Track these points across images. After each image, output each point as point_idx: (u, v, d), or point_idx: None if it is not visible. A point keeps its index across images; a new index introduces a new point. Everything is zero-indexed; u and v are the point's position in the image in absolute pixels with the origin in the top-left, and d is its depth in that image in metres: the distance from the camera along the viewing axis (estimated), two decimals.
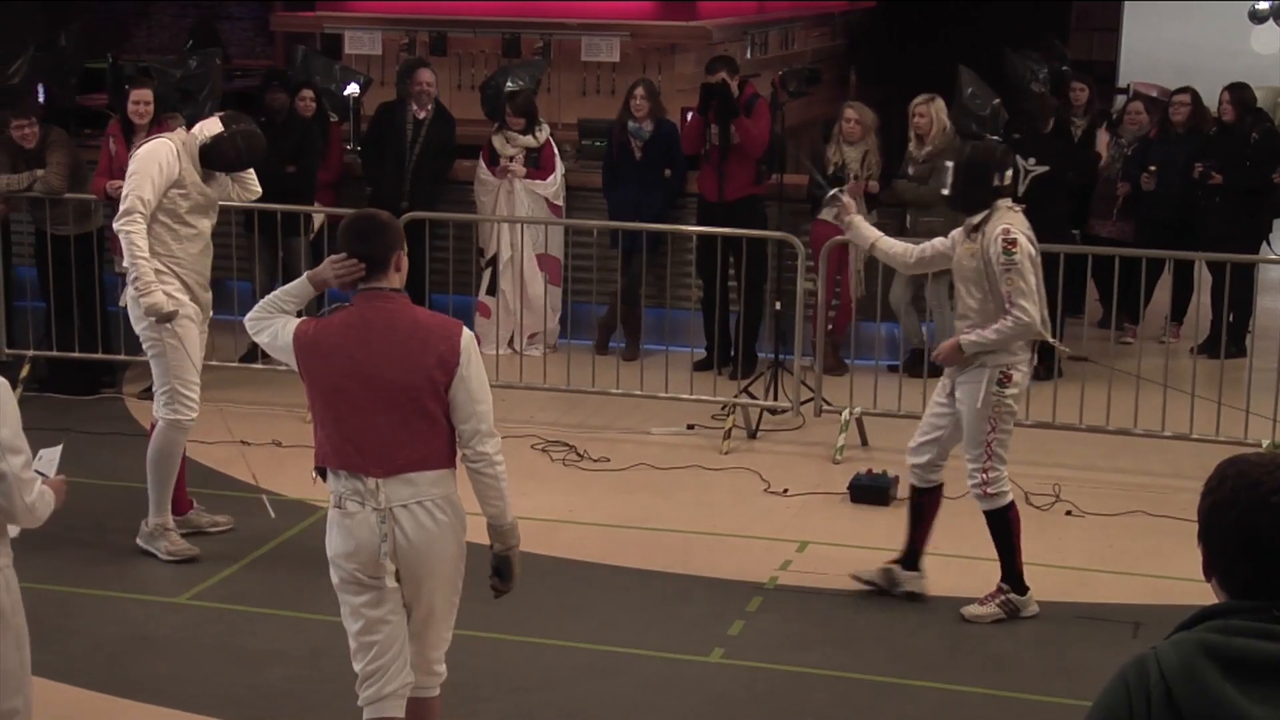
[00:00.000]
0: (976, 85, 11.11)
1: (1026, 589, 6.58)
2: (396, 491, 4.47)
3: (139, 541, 7.13)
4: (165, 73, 11.29)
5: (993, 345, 6.33)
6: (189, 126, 9.85)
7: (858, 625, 6.55)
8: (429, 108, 10.39)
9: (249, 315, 4.77)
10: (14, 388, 7.14)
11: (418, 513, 4.50)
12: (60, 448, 4.77)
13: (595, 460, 8.55)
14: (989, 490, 6.45)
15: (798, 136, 11.70)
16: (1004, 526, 6.53)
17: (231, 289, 10.40)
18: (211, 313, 7.18)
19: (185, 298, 6.92)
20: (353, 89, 11.41)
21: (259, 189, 7.32)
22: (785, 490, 8.14)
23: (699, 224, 9.96)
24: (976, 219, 6.37)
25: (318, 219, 10.16)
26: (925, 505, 6.72)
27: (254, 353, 10.05)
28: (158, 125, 9.28)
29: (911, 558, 6.74)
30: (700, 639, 6.36)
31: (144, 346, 7.01)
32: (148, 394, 9.39)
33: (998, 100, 11.11)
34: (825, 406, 8.98)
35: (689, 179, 10.30)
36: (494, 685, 5.92)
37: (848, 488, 8.02)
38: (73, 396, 9.50)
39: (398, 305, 4.55)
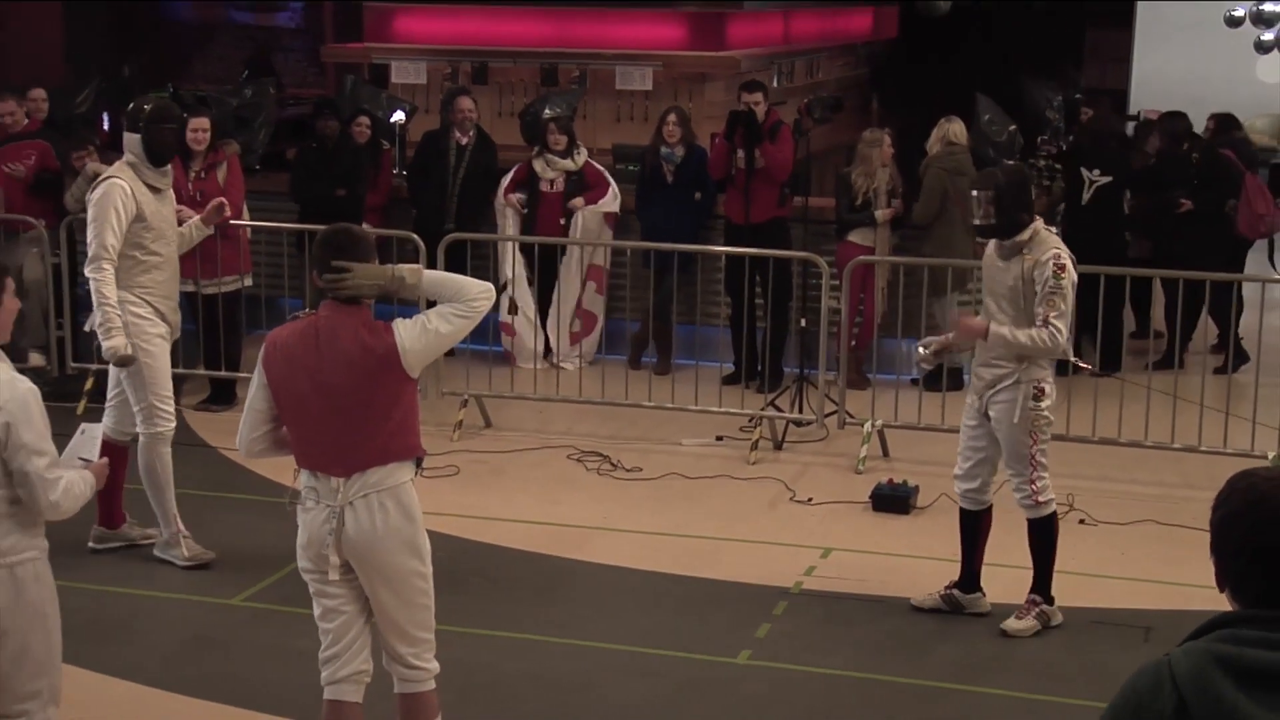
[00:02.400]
0: (993, 112, 11.10)
1: (1053, 599, 6.52)
2: (351, 487, 4.50)
3: (156, 552, 7.14)
4: (222, 101, 11.38)
5: (1017, 347, 6.22)
6: (242, 153, 9.97)
7: (880, 629, 6.52)
8: (470, 134, 10.42)
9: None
10: (79, 399, 7.27)
11: (362, 506, 4.50)
12: (99, 427, 4.87)
13: (628, 470, 8.54)
14: (1040, 499, 6.38)
15: (822, 162, 11.69)
16: (1049, 534, 6.45)
17: (283, 305, 10.45)
18: (180, 331, 7.18)
19: (157, 320, 6.93)
20: (399, 116, 11.46)
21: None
22: (810, 499, 8.12)
23: (726, 245, 9.96)
24: (1024, 237, 6.26)
25: None
26: (979, 527, 6.61)
27: None
28: (214, 151, 9.36)
29: (970, 579, 6.64)
30: (728, 641, 6.34)
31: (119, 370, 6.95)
32: (204, 405, 9.50)
33: (1014, 126, 11.10)
34: (848, 419, 8.95)
35: (717, 202, 10.30)
36: (529, 685, 5.92)
37: (870, 497, 7.99)
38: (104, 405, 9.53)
39: (351, 313, 4.52)
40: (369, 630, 4.67)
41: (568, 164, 10.29)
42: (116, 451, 6.88)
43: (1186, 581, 6.74)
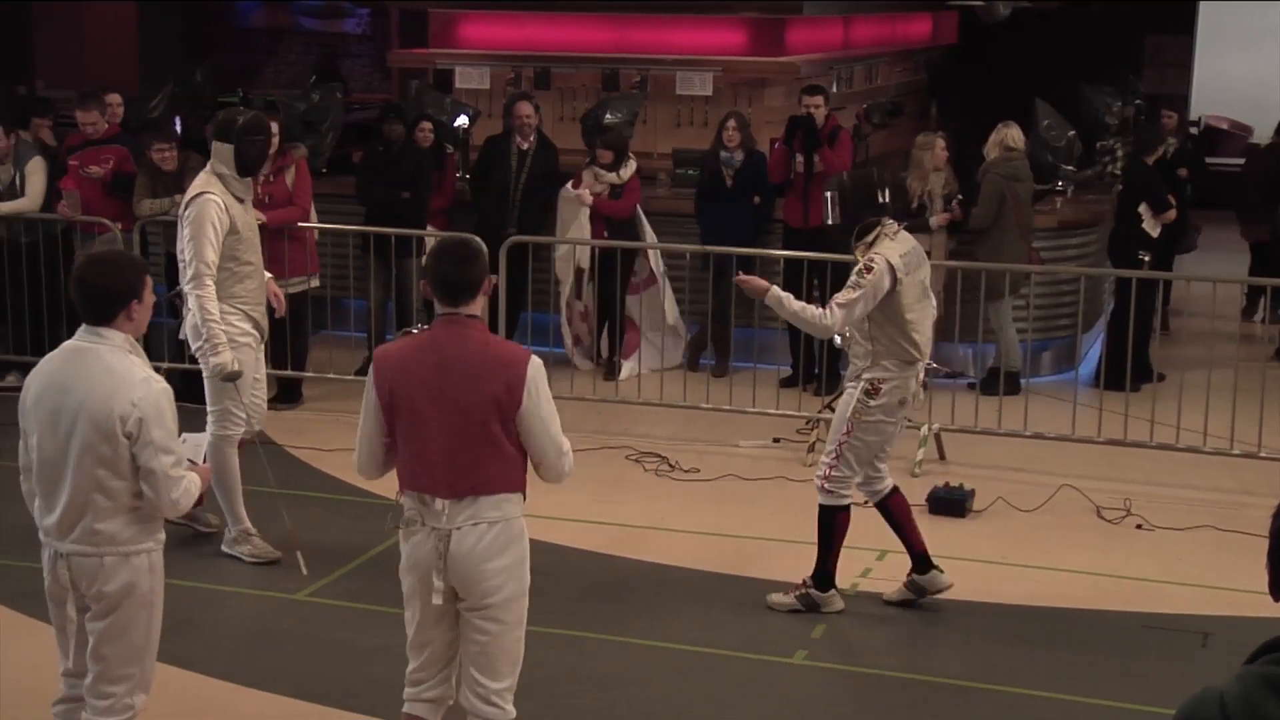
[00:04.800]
0: (1052, 118, 11.02)
1: (830, 586, 6.57)
2: (459, 513, 4.38)
3: (224, 548, 7.21)
4: (290, 106, 11.46)
5: (787, 315, 6.38)
6: (309, 157, 10.04)
7: (934, 631, 6.48)
8: (532, 138, 10.44)
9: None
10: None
11: (471, 535, 4.38)
12: (207, 435, 4.94)
13: (686, 471, 8.53)
14: (826, 486, 6.48)
15: (880, 166, 11.62)
16: (827, 522, 6.52)
17: (349, 306, 10.53)
18: (268, 333, 7.25)
19: (250, 328, 7.02)
20: (462, 120, 11.50)
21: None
22: (866, 501, 8.06)
23: (785, 249, 9.93)
24: (868, 238, 6.35)
25: (429, 243, 10.25)
26: (892, 515, 6.70)
27: (368, 367, 10.16)
28: (282, 155, 9.44)
29: (920, 560, 6.67)
30: (784, 641, 6.32)
31: (205, 370, 7.02)
32: (271, 404, 9.51)
33: (1073, 132, 11.01)
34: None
35: (776, 206, 10.27)
36: (585, 682, 5.92)
37: (926, 500, 7.94)
38: (202, 406, 9.62)
39: (471, 330, 4.42)
40: (457, 660, 4.59)
41: (613, 177, 10.22)
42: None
43: (1245, 588, 6.65)
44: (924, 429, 8.70)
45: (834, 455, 6.45)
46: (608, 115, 11.12)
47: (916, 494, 8.05)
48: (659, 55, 12.41)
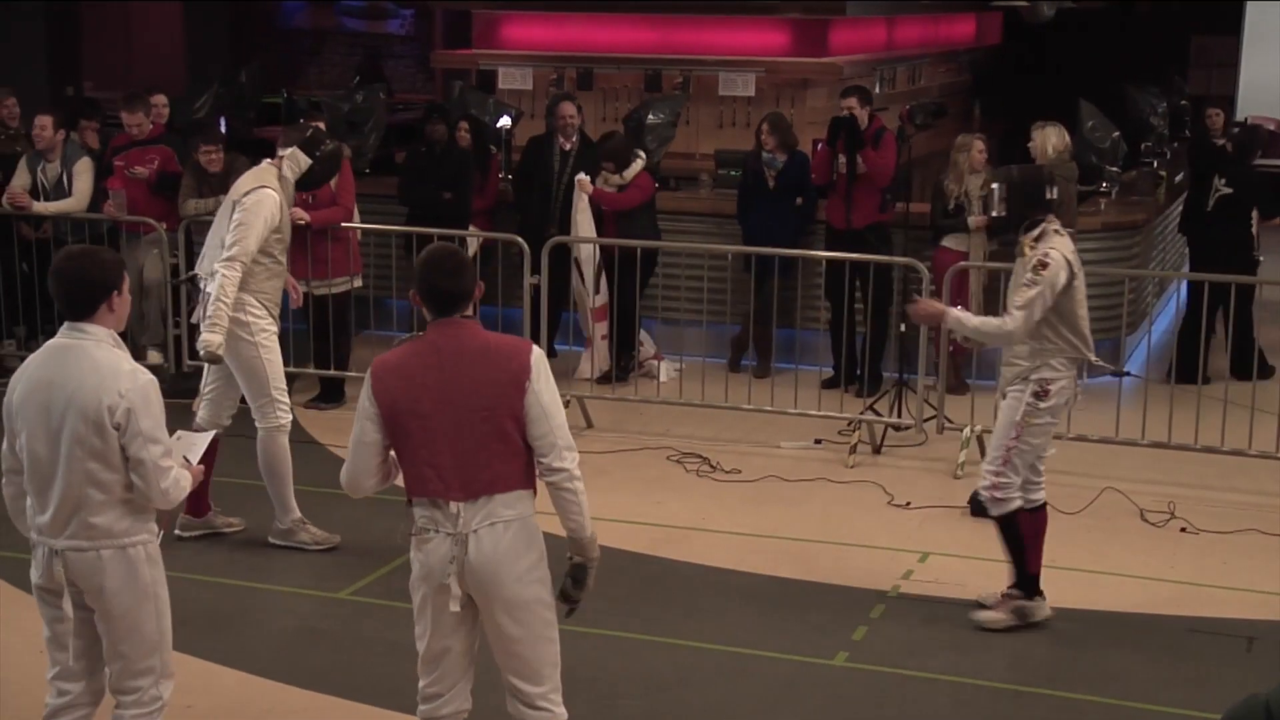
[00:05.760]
0: (1097, 119, 10.95)
1: (1038, 594, 6.44)
2: (475, 514, 4.32)
3: (272, 539, 7.28)
4: (334, 106, 11.53)
5: (969, 333, 6.35)
6: (353, 157, 10.08)
7: (977, 633, 6.45)
8: (574, 139, 10.44)
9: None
10: (194, 395, 7.42)
11: (487, 534, 4.32)
12: (210, 434, 4.97)
13: (727, 472, 8.53)
14: (996, 495, 6.35)
15: (924, 167, 11.60)
16: (1011, 531, 6.39)
17: (391, 307, 10.58)
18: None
19: (272, 321, 7.12)
20: (505, 121, 11.53)
21: None
22: (908, 503, 8.06)
23: (827, 250, 9.91)
24: (1032, 235, 6.26)
25: (472, 244, 10.27)
26: (1030, 528, 6.52)
27: None
28: None
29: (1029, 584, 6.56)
30: (825, 643, 6.31)
31: (234, 367, 7.08)
32: (313, 404, 9.64)
33: (1117, 133, 10.95)
34: (947, 424, 8.87)
35: (819, 207, 10.25)
36: (629, 683, 5.93)
37: (968, 502, 7.91)
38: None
39: (467, 328, 4.38)
40: (473, 669, 4.55)
41: (617, 179, 10.06)
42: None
43: None
44: (966, 430, 8.67)
45: (1001, 462, 6.31)
46: (650, 116, 11.13)
47: (959, 496, 8.03)
48: (702, 56, 12.42)
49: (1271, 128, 11.69)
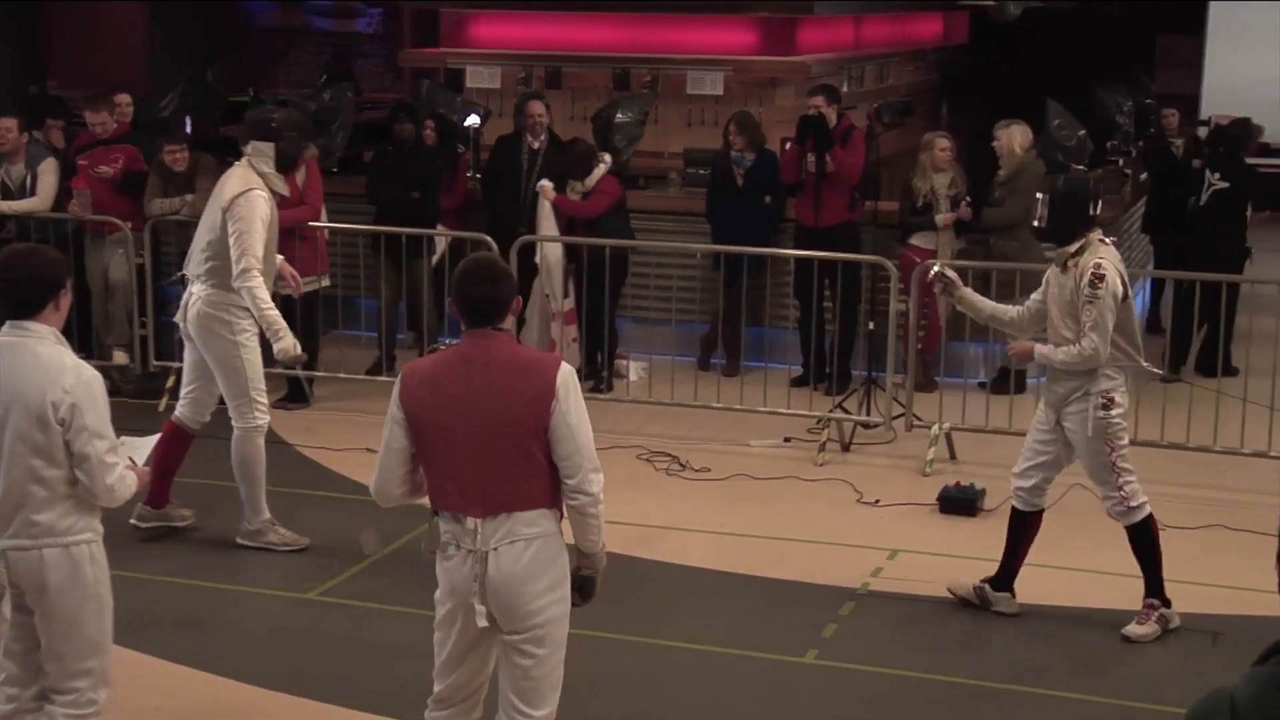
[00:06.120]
0: (1063, 117, 11.00)
1: (1169, 601, 6.44)
2: (494, 532, 4.23)
3: (240, 540, 7.25)
4: (302, 105, 11.47)
5: (1058, 365, 6.27)
6: (320, 156, 10.05)
7: (947, 630, 6.49)
8: (542, 138, 10.43)
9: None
10: (160, 396, 7.41)
11: (508, 552, 4.23)
12: (154, 438, 4.95)
13: (697, 470, 8.54)
14: (1131, 504, 6.33)
15: (892, 166, 11.63)
16: (1148, 537, 6.38)
17: (359, 306, 10.55)
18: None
19: (252, 319, 7.06)
20: (473, 120, 11.51)
21: None
22: (877, 501, 8.09)
23: (796, 248, 9.94)
24: (1071, 249, 6.23)
25: (440, 243, 10.27)
26: (1026, 529, 6.56)
27: (378, 366, 10.18)
28: None
29: (1005, 579, 6.60)
30: (796, 641, 6.33)
31: (215, 366, 7.07)
32: (281, 404, 9.59)
33: (1084, 132, 11.00)
34: (916, 421, 8.91)
35: (788, 205, 10.27)
36: (602, 682, 5.93)
37: (937, 499, 7.95)
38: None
39: (498, 342, 4.29)
40: (487, 684, 4.48)
41: (580, 186, 10.03)
42: (183, 438, 7.24)
43: (1255, 587, 6.63)
44: (935, 428, 8.71)
45: (1114, 475, 6.31)
46: (618, 115, 11.12)
47: (928, 493, 8.07)
48: (670, 55, 12.43)
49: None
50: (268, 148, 7.08)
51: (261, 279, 6.90)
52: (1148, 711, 5.71)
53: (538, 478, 4.25)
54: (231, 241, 6.91)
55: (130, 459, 4.60)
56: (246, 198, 6.94)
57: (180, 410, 7.27)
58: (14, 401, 4.31)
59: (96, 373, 4.42)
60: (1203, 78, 17.83)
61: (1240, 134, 10.65)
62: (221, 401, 7.23)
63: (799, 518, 7.82)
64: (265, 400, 7.20)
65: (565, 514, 4.38)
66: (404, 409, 4.30)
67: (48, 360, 4.34)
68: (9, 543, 4.38)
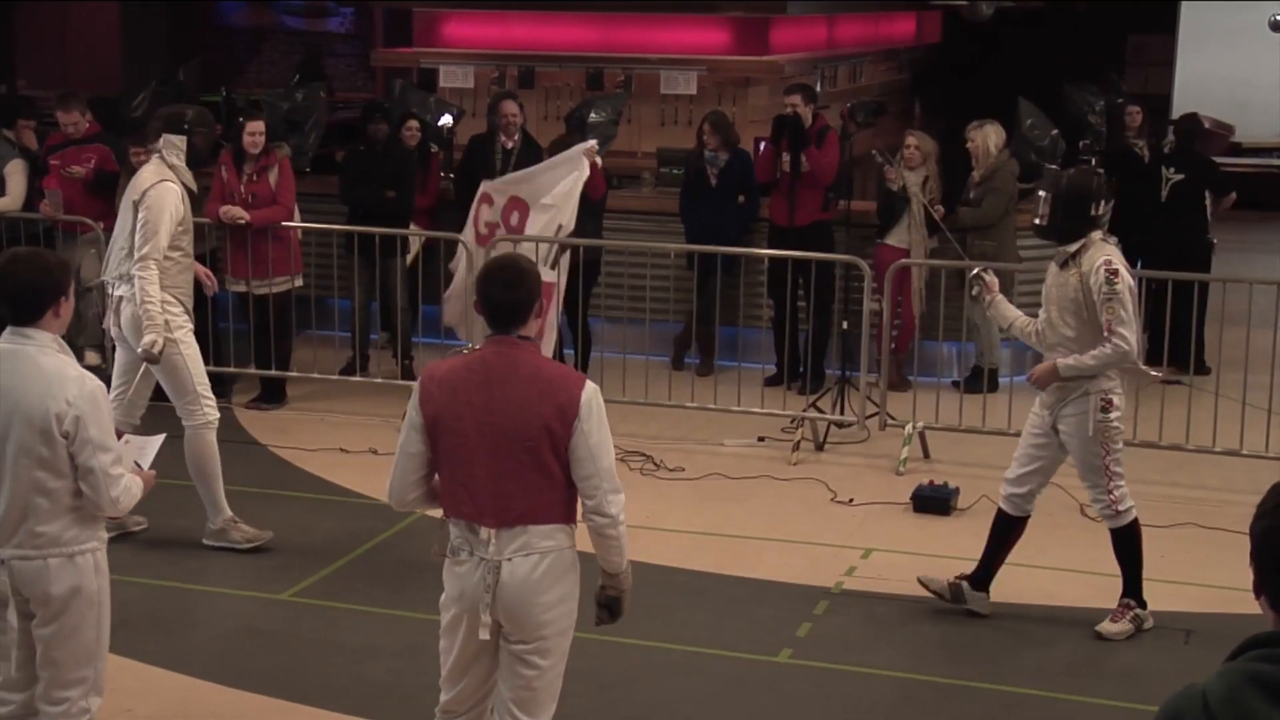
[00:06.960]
0: (1035, 117, 11.05)
1: (1145, 603, 6.45)
2: (508, 543, 4.18)
3: (206, 541, 7.21)
4: (274, 105, 11.44)
5: (1090, 371, 6.17)
6: (293, 156, 10.01)
7: (921, 629, 6.50)
8: (516, 138, 10.42)
9: None
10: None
11: (521, 564, 4.19)
12: (160, 438, 4.91)
13: (671, 470, 8.54)
14: (1119, 508, 6.32)
15: (865, 166, 11.66)
16: (1132, 540, 6.39)
17: (332, 306, 10.52)
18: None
19: (187, 317, 7.05)
20: (446, 120, 11.49)
21: None
22: (851, 500, 8.10)
23: (770, 248, 9.94)
24: (1072, 248, 6.20)
25: (414, 242, 10.25)
26: (1011, 533, 6.55)
27: (352, 366, 10.16)
28: (266, 154, 9.42)
29: (983, 579, 6.60)
30: (770, 640, 6.33)
31: (154, 368, 7.02)
32: (254, 404, 9.56)
33: (1056, 131, 11.05)
34: (889, 421, 8.93)
35: (761, 205, 10.28)
36: (577, 681, 5.88)
37: (910, 498, 7.97)
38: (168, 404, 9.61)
39: (521, 352, 4.21)
40: (494, 693, 4.43)
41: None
42: None
43: (1227, 584, 6.69)
44: (908, 427, 8.73)
45: (1106, 478, 6.28)
46: (592, 114, 11.12)
47: (901, 492, 8.08)
48: (643, 55, 12.42)
49: (1206, 125, 11.81)
50: (180, 140, 7.05)
51: (157, 272, 6.85)
52: (1120, 709, 5.73)
53: (554, 492, 4.20)
54: (138, 229, 6.89)
55: (136, 463, 4.57)
56: (158, 189, 6.92)
57: (184, 421, 7.15)
58: (16, 413, 4.26)
59: (100, 383, 4.38)
60: (1174, 77, 17.92)
61: (1192, 127, 10.71)
62: (163, 399, 7.15)
63: (773, 517, 7.83)
64: (211, 396, 7.14)
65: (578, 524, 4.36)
66: (422, 412, 4.23)
67: (50, 370, 4.29)
68: (13, 552, 4.34)
